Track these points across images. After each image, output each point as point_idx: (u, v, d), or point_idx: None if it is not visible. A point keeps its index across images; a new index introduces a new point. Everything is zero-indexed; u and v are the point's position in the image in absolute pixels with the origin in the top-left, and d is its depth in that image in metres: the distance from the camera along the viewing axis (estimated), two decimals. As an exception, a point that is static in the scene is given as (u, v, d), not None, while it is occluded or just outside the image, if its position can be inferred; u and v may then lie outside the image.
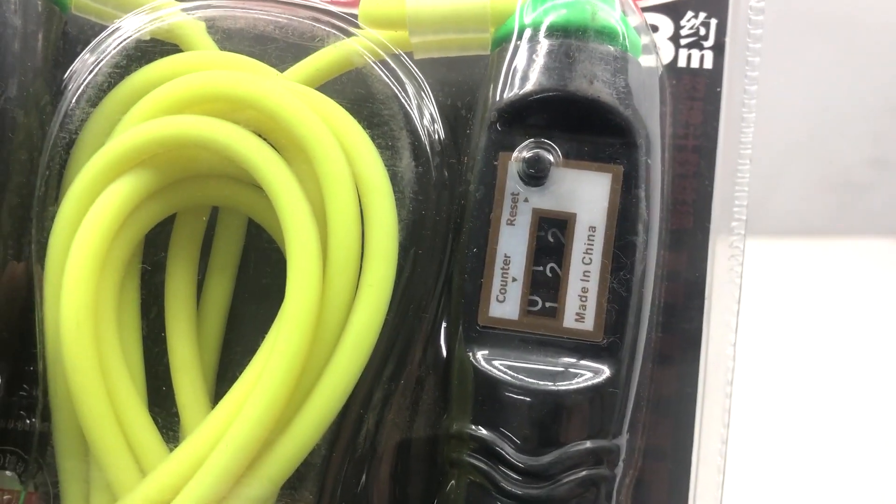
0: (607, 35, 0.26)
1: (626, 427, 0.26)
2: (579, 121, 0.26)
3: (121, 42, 0.27)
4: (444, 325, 0.27)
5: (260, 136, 0.27)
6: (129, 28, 0.27)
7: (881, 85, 0.85)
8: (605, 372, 0.25)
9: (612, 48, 0.26)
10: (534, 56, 0.26)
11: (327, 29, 0.27)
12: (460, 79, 0.28)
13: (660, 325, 0.30)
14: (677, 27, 0.32)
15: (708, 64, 0.32)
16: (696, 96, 0.32)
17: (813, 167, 0.87)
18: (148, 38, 0.28)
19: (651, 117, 0.27)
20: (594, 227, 0.26)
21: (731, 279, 0.31)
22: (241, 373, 0.26)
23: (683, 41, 0.32)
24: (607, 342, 0.26)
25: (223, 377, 0.28)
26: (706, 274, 0.31)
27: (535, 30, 0.26)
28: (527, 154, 0.26)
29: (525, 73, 0.26)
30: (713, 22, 0.32)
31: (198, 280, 0.28)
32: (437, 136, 0.27)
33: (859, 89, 0.85)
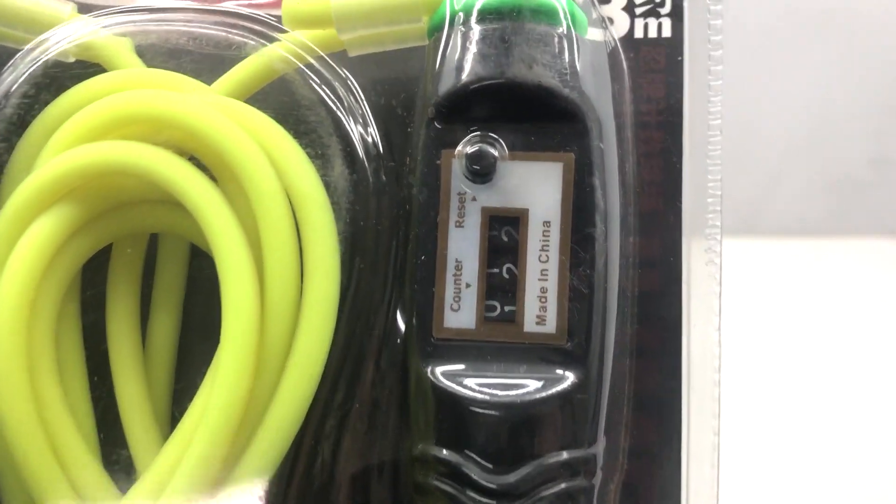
0: (545, 13, 0.24)
1: (601, 432, 0.25)
2: (522, 109, 0.24)
3: (27, 69, 0.25)
4: (397, 340, 0.25)
5: (191, 156, 0.25)
6: (35, 54, 0.26)
7: (881, 84, 0.86)
8: (573, 377, 0.24)
9: (551, 27, 0.24)
10: (468, 43, 0.24)
11: (243, 36, 0.25)
12: (393, 75, 0.27)
13: (635, 317, 0.28)
14: (631, -4, 0.30)
15: (667, 32, 0.30)
16: (657, 68, 0.30)
17: (813, 167, 0.87)
18: (72, 59, 0.27)
19: (602, 98, 0.25)
20: (549, 222, 0.24)
21: (709, 259, 0.29)
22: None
23: (639, 10, 0.30)
24: (572, 345, 0.24)
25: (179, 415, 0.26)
26: (681, 258, 0.29)
27: (468, 14, 0.25)
28: (470, 149, 0.24)
29: (460, 62, 0.24)
30: (668, -14, 0.30)
31: (142, 312, 0.27)
32: (371, 140, 0.25)
33: (859, 88, 0.86)
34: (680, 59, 0.29)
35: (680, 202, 0.29)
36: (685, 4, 0.30)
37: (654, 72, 0.29)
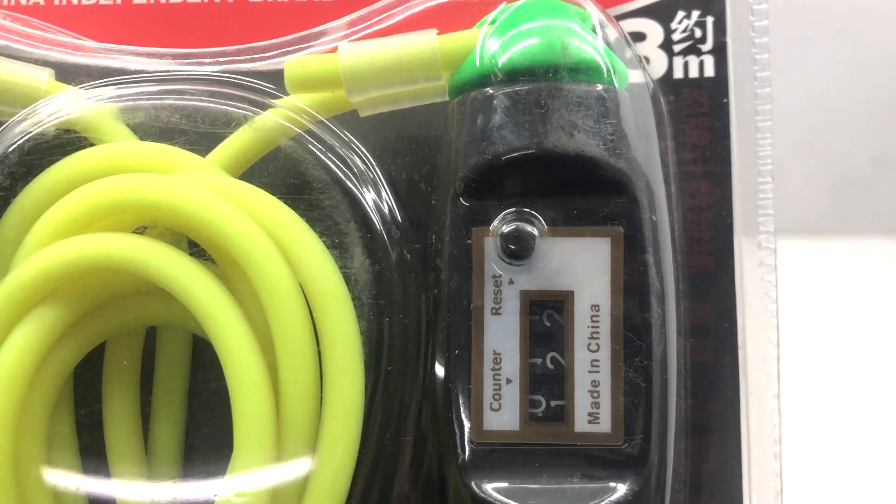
0: (585, 71, 0.22)
1: (665, 539, 0.22)
2: (563, 181, 0.21)
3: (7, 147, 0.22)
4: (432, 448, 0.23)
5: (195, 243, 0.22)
6: (12, 135, 0.23)
7: (882, 83, 0.84)
8: (633, 483, 0.21)
9: (592, 86, 0.21)
10: (498, 108, 0.22)
11: (241, 110, 0.22)
12: (413, 146, 0.24)
13: (689, 391, 0.26)
14: (668, 32, 0.27)
15: (709, 71, 0.27)
16: (701, 111, 0.27)
17: (813, 166, 0.86)
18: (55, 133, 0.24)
19: (651, 161, 0.22)
20: (597, 306, 0.22)
21: (766, 320, 0.27)
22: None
23: (677, 47, 0.27)
24: (630, 446, 0.21)
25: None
26: (737, 323, 0.26)
27: (496, 74, 0.22)
28: (505, 228, 0.21)
29: (490, 130, 0.21)
30: (709, 20, 0.27)
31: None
32: (392, 223, 0.22)
33: (860, 87, 0.84)
34: (725, 100, 0.27)
35: (732, 261, 0.26)
36: (729, 39, 0.27)
37: (698, 116, 0.27)
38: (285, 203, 0.22)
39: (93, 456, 0.23)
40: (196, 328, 0.23)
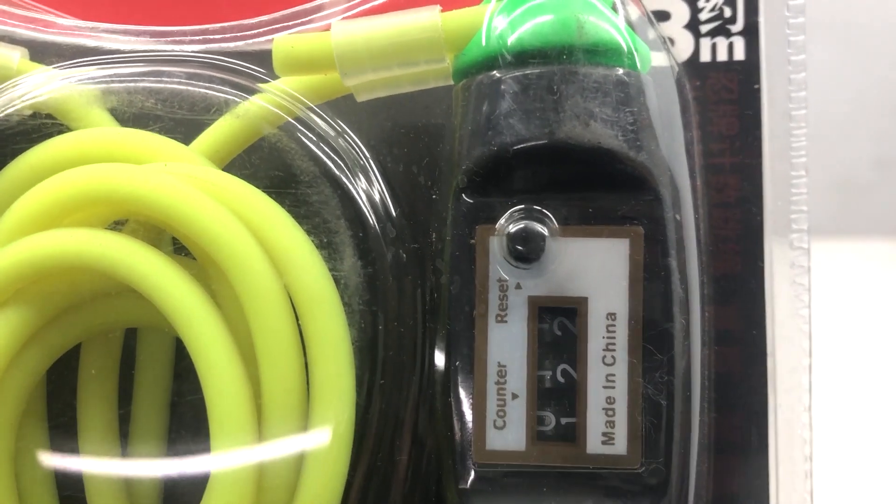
0: (603, 52, 0.19)
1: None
2: (578, 176, 0.19)
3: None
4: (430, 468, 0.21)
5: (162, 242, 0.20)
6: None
7: (884, 85, 0.84)
8: (651, 509, 0.19)
9: (611, 70, 0.19)
10: (507, 93, 0.19)
11: (222, 94, 0.20)
12: (412, 135, 0.22)
13: (713, 404, 0.24)
14: (694, 10, 0.25)
15: (739, 54, 0.25)
16: (729, 98, 0.25)
17: (813, 167, 0.90)
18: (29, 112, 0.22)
19: (675, 153, 0.20)
20: (614, 314, 0.20)
21: (797, 326, 0.25)
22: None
23: (704, 28, 0.25)
24: (648, 470, 0.19)
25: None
26: (766, 330, 0.24)
27: (505, 56, 0.20)
28: (512, 227, 0.19)
29: (497, 118, 0.19)
30: (739, -2, 0.25)
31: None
32: (388, 220, 0.20)
33: (862, 89, 0.84)
34: (757, 86, 0.24)
35: (762, 262, 0.24)
36: (761, 19, 0.25)
37: (727, 102, 0.25)
38: (270, 197, 0.19)
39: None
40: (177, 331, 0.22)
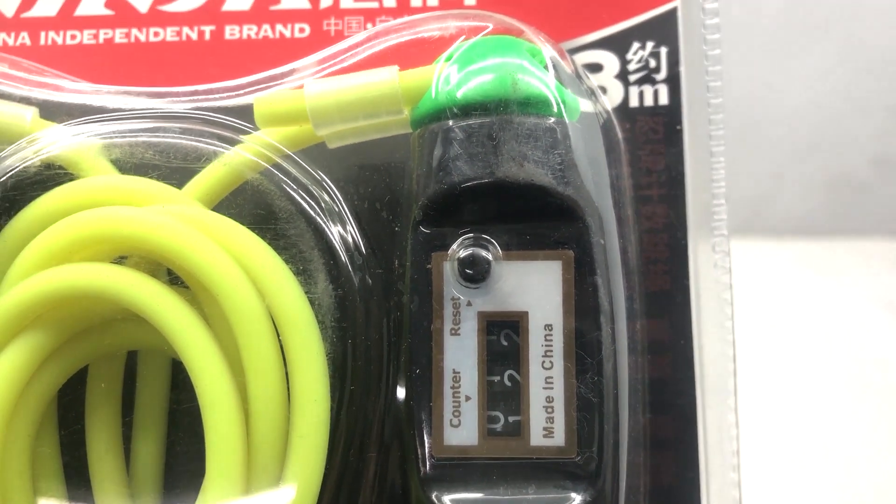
0: (534, 104, 0.23)
1: (619, 547, 0.23)
2: (515, 208, 0.23)
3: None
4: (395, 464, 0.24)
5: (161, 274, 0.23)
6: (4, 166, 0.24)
7: (882, 84, 0.84)
8: (587, 494, 0.22)
9: (541, 118, 0.23)
10: (453, 140, 0.23)
11: (212, 145, 0.23)
12: (376, 176, 0.25)
13: (648, 406, 0.27)
14: (624, 62, 0.28)
15: (663, 100, 0.28)
16: (655, 138, 0.28)
17: (814, 167, 0.86)
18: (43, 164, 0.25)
19: (599, 188, 0.24)
20: (550, 325, 0.23)
21: (722, 336, 0.28)
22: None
23: (632, 77, 0.28)
24: (583, 458, 0.22)
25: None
26: (692, 339, 0.27)
27: (452, 108, 0.23)
28: (462, 253, 0.23)
29: (445, 161, 0.23)
30: (663, 51, 0.28)
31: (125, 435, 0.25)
32: (355, 249, 0.24)
33: (860, 88, 0.84)
34: (679, 127, 0.28)
35: (687, 280, 0.27)
36: (682, 69, 0.28)
37: (653, 142, 0.28)
38: (253, 232, 0.23)
39: (73, 475, 0.24)
40: (173, 352, 0.25)
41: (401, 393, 0.23)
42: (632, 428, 0.26)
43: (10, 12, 0.29)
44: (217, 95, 0.25)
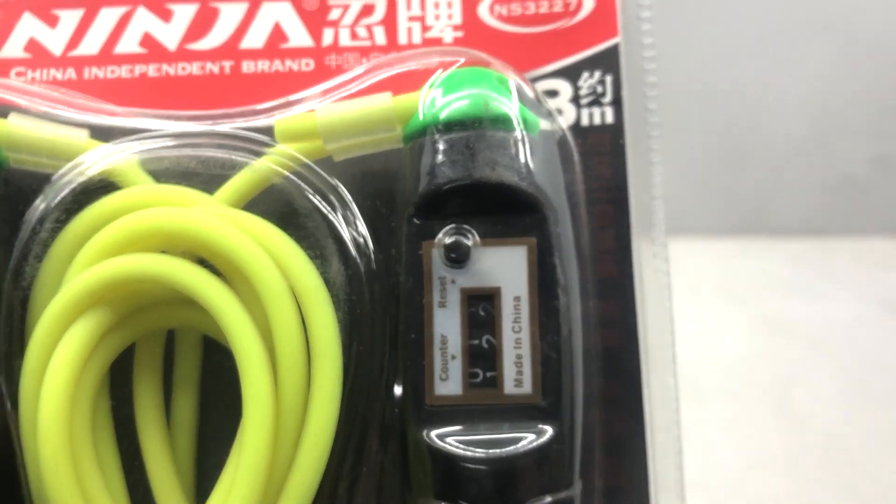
0: (501, 122, 0.29)
1: (576, 475, 0.28)
2: (489, 203, 0.28)
3: (58, 196, 0.29)
4: (395, 409, 0.29)
5: (202, 260, 0.29)
6: (62, 182, 0.30)
7: (882, 84, 0.85)
8: (549, 430, 0.27)
9: (508, 133, 0.29)
10: (439, 150, 0.28)
11: (242, 157, 0.29)
12: (376, 181, 0.31)
13: (602, 371, 0.32)
14: (576, 89, 0.34)
15: (609, 119, 0.34)
16: (603, 151, 0.34)
17: (814, 167, 0.87)
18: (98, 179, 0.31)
19: (555, 188, 0.29)
20: (519, 297, 0.28)
21: (662, 315, 0.33)
22: (216, 478, 0.28)
23: (584, 101, 0.34)
24: (547, 402, 0.28)
25: (202, 489, 0.30)
26: (636, 316, 0.33)
27: (437, 126, 0.29)
28: (447, 240, 0.28)
29: (433, 167, 0.28)
30: (608, 79, 0.34)
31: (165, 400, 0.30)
32: (361, 238, 0.29)
33: (860, 89, 0.85)
34: (622, 142, 0.34)
35: (631, 269, 0.33)
36: (624, 94, 0.34)
37: (602, 154, 0.34)
38: (278, 226, 0.28)
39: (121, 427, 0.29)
40: (209, 330, 0.30)
41: (399, 354, 0.28)
42: (588, 390, 0.31)
43: (58, 52, 0.34)
44: (245, 116, 0.31)
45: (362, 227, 0.30)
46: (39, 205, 0.29)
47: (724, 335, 0.79)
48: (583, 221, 0.33)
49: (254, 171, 0.29)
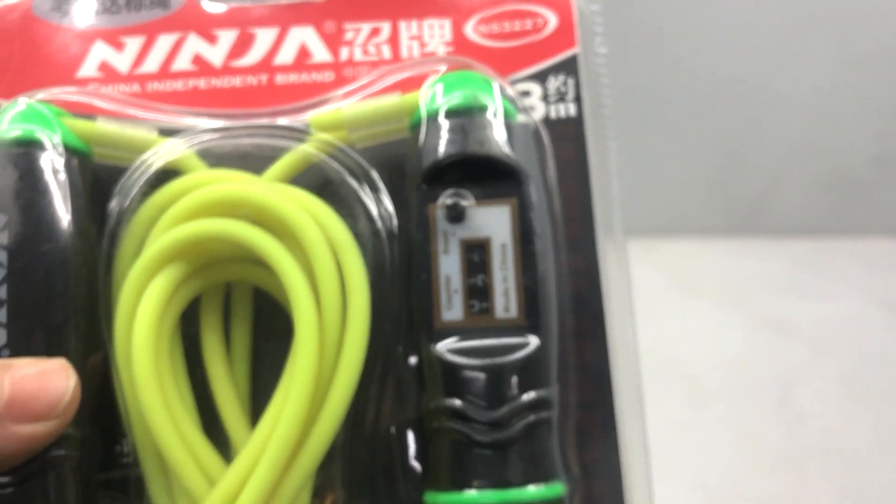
0: (487, 110, 0.37)
1: (554, 378, 0.36)
2: (481, 172, 0.36)
3: (144, 177, 0.37)
4: (411, 333, 0.37)
5: (257, 224, 0.37)
6: (145, 166, 0.38)
7: (883, 84, 0.83)
8: (532, 343, 0.35)
9: (492, 118, 0.37)
10: (439, 133, 0.37)
11: (288, 142, 0.37)
12: (392, 159, 0.39)
13: (573, 309, 0.40)
14: (545, 90, 0.42)
15: (572, 113, 0.42)
16: (568, 138, 0.42)
17: (814, 166, 0.85)
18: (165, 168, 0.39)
19: (530, 161, 0.38)
20: (505, 245, 0.36)
21: (619, 267, 0.42)
22: (267, 397, 0.35)
23: (551, 99, 0.42)
24: (529, 323, 0.36)
25: (255, 404, 0.37)
26: (598, 268, 0.41)
27: (437, 115, 0.37)
28: (448, 202, 0.36)
29: (435, 145, 0.37)
30: (570, 81, 0.42)
31: (225, 337, 0.38)
32: (383, 203, 0.38)
33: (861, 88, 0.83)
34: (582, 130, 0.42)
35: (593, 230, 0.41)
36: (584, 93, 0.43)
37: (567, 140, 0.42)
38: (317, 195, 0.36)
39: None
40: (260, 282, 0.38)
41: (412, 290, 0.37)
42: (562, 324, 0.39)
43: (125, 70, 0.42)
44: (286, 112, 0.39)
45: (384, 196, 0.38)
46: (131, 183, 0.37)
47: (725, 335, 0.80)
48: (554, 191, 0.41)
49: (297, 153, 0.37)
